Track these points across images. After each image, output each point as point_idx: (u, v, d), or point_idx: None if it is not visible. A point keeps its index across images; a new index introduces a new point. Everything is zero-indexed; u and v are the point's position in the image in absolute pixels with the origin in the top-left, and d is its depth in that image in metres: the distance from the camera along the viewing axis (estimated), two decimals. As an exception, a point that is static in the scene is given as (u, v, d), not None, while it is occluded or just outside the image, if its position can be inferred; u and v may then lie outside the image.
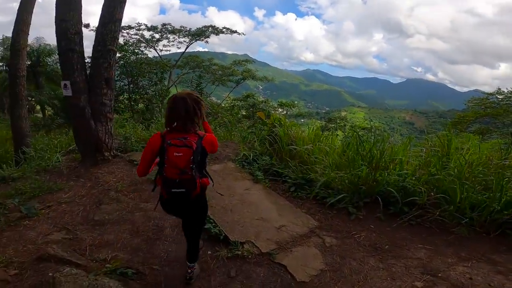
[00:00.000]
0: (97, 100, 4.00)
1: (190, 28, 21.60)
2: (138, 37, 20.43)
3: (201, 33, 21.76)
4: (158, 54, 21.34)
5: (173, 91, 12.22)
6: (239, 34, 22.75)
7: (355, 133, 3.58)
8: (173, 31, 21.32)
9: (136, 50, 11.99)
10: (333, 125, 35.06)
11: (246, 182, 3.52)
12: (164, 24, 20.76)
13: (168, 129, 1.69)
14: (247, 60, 26.33)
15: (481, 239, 2.39)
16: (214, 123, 7.26)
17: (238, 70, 26.20)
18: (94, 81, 3.95)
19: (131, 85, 11.45)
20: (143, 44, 20.48)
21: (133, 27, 20.12)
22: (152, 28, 20.86)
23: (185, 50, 22.75)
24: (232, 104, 20.54)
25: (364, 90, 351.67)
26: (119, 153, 4.30)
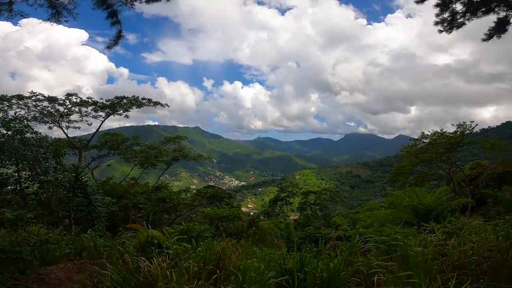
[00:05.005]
0: None
1: (101, 99, 20.60)
2: (38, 110, 18.82)
3: (114, 106, 20.55)
4: (64, 132, 20.10)
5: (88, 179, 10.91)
6: (162, 105, 22.12)
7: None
8: (81, 104, 19.83)
9: (20, 127, 9.63)
10: (285, 194, 50.21)
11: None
12: (69, 95, 19.44)
13: None
14: (179, 136, 26.39)
15: None
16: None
17: (168, 149, 25.41)
18: None
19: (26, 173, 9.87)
20: (47, 119, 19.32)
21: (27, 97, 18.23)
22: (51, 99, 18.96)
23: (100, 126, 21.43)
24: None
25: (311, 152, 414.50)
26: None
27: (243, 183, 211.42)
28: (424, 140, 20.71)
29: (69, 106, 19.77)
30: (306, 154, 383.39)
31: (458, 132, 19.20)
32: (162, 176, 28.95)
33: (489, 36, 10.04)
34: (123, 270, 2.86)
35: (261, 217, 46.83)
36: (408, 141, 22.06)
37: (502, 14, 9.43)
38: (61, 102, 19.32)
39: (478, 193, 18.95)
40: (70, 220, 10.09)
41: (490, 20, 9.28)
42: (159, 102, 22.07)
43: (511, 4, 9.16)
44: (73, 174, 10.50)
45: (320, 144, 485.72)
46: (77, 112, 20.25)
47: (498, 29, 9.75)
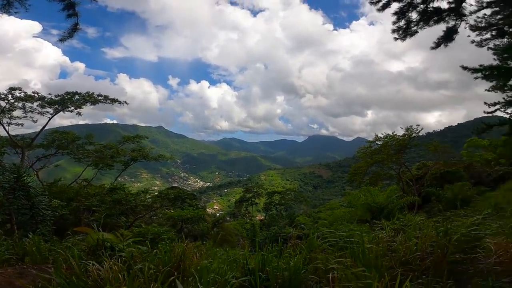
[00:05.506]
0: None
1: (50, 95, 19.24)
2: None
3: (64, 102, 19.34)
4: (5, 129, 18.77)
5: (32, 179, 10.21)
6: (120, 103, 21.04)
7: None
8: (25, 99, 18.41)
9: None
10: (250, 194, 51.41)
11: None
12: (12, 89, 17.94)
13: None
14: (139, 136, 25.24)
15: None
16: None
17: (126, 149, 24.09)
18: None
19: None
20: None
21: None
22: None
23: (47, 123, 20.16)
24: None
25: (276, 152, 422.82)
26: None
27: (208, 184, 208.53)
28: (378, 142, 22.33)
29: (12, 101, 18.45)
30: (271, 155, 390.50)
31: (406, 135, 21.14)
32: (121, 178, 27.62)
33: (437, 45, 11.12)
34: (69, 274, 2.75)
35: (227, 218, 46.52)
36: (364, 143, 23.65)
37: (452, 23, 10.52)
38: (3, 96, 18.10)
39: (423, 191, 20.96)
40: (12, 224, 9.67)
41: (439, 29, 10.31)
42: (117, 100, 21.09)
43: (461, 14, 10.23)
44: (14, 175, 9.83)
45: (284, 145, 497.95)
46: (20, 108, 19.00)
47: (446, 38, 10.83)
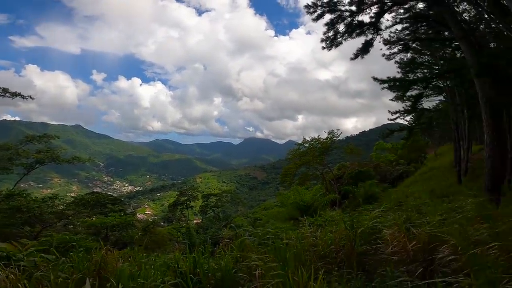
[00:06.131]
0: None
1: None
2: None
3: None
4: None
5: None
6: (23, 97, 18.21)
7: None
8: None
9: None
10: (185, 198, 50.07)
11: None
12: None
13: None
14: (47, 135, 22.30)
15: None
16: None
17: (30, 150, 21.34)
18: None
19: None
20: None
21: None
22: None
23: None
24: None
25: (212, 155, 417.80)
26: None
27: (138, 188, 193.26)
28: (305, 145, 24.57)
29: None
30: (207, 157, 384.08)
31: (328, 138, 24.02)
32: (23, 183, 23.37)
33: (356, 56, 12.75)
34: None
35: (162, 223, 44.66)
36: (294, 146, 26.01)
37: (370, 36, 12.16)
38: None
39: (342, 189, 23.83)
40: None
41: (360, 42, 11.81)
42: (19, 93, 18.19)
43: (378, 28, 11.91)
44: None
45: (221, 147, 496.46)
46: None
47: (363, 50, 12.47)
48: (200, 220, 44.72)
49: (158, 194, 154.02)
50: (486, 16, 10.17)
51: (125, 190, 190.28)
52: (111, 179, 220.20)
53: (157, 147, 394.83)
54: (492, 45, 12.60)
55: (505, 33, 6.94)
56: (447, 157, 24.71)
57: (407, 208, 4.30)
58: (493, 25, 9.90)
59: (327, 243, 3.13)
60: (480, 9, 10.09)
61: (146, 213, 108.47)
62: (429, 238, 2.95)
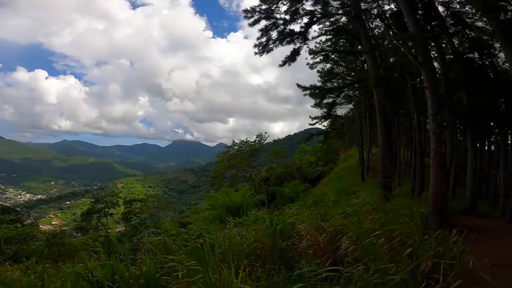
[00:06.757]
0: None
1: None
2: None
3: None
4: None
5: None
6: None
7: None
8: None
9: None
10: (102, 205, 46.42)
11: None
12: None
13: None
14: None
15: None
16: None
17: None
18: None
19: None
20: None
21: None
22: None
23: None
24: None
25: (136, 158, 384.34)
26: None
27: (40, 196, 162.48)
28: (234, 148, 25.22)
29: None
30: (130, 160, 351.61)
31: (257, 141, 25.27)
32: None
33: (284, 63, 13.63)
34: None
35: (75, 233, 40.62)
36: (224, 148, 26.42)
37: (298, 45, 13.11)
38: None
39: (270, 190, 25.25)
40: None
41: (289, 50, 12.59)
42: None
43: (306, 38, 12.91)
44: None
45: (146, 150, 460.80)
46: None
47: (291, 58, 13.39)
48: (124, 228, 40.95)
49: (68, 203, 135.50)
50: (390, 32, 11.78)
51: (21, 199, 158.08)
52: (2, 187, 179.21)
53: (65, 149, 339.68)
54: (391, 59, 15.18)
55: (402, 49, 8.43)
56: (354, 158, 28.86)
57: (319, 205, 4.90)
58: (394, 41, 11.56)
59: (251, 241, 3.33)
60: (387, 25, 11.90)
61: (53, 224, 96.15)
62: (335, 231, 3.44)
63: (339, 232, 3.36)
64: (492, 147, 15.97)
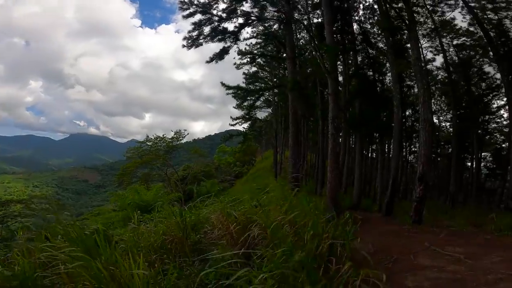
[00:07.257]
0: None
1: None
2: None
3: None
4: None
5: None
6: None
7: None
8: None
9: None
10: None
11: None
12: None
13: None
14: None
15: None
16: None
17: None
18: None
19: None
20: None
21: None
22: None
23: None
24: None
25: (19, 152, 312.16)
26: None
27: None
28: (148, 143, 23.28)
29: None
30: (10, 154, 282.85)
31: (174, 138, 24.01)
32: None
33: (211, 59, 13.41)
34: None
35: None
36: (136, 144, 24.05)
37: (228, 44, 13.06)
38: None
39: (187, 188, 24.52)
40: None
41: (219, 47, 12.39)
42: None
43: (237, 38, 12.93)
44: None
45: (32, 143, 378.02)
46: None
47: (219, 56, 13.29)
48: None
49: None
50: (312, 44, 12.76)
51: None
52: None
53: None
54: (309, 70, 16.90)
55: (317, 58, 9.21)
56: (270, 160, 30.99)
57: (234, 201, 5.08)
58: (313, 52, 12.65)
59: (159, 235, 3.19)
60: (311, 36, 13.18)
61: None
62: (247, 219, 3.62)
63: (250, 221, 3.55)
64: (374, 154, 19.87)
